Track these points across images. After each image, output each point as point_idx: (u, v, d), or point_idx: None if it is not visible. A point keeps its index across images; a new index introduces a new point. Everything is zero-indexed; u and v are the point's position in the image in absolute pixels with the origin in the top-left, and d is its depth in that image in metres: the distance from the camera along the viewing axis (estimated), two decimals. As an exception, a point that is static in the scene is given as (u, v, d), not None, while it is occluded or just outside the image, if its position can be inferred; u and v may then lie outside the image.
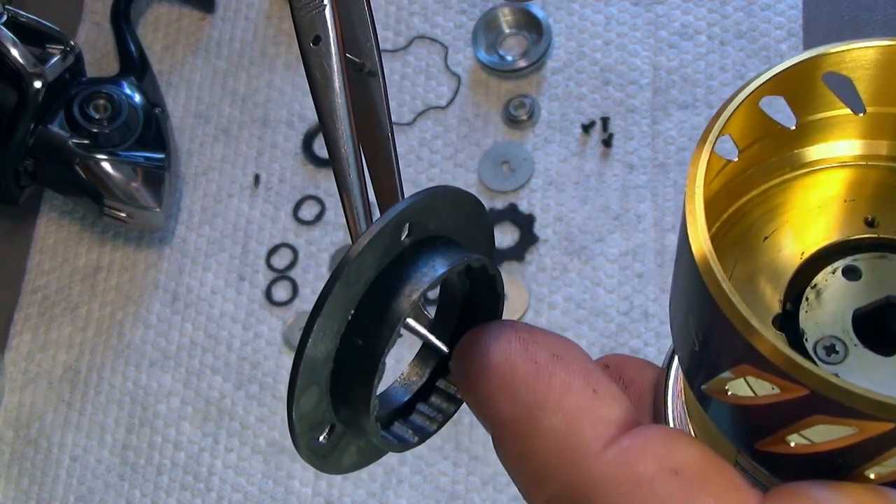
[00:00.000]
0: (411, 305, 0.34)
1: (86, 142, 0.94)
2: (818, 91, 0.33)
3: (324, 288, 0.34)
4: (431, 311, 0.40)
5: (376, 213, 0.36)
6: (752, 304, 0.32)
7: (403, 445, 0.38)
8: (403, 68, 1.01)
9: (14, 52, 0.92)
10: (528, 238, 0.94)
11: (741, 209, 0.34)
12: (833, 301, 0.32)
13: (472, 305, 0.39)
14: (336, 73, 0.37)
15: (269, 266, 0.97)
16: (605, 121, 0.97)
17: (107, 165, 0.94)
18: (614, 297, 0.91)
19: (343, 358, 0.35)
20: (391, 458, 0.88)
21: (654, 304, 0.90)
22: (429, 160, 0.98)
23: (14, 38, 0.92)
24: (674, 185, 0.94)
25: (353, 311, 0.35)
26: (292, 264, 0.97)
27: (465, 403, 0.39)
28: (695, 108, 0.96)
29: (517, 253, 0.93)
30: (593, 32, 1.00)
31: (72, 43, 0.96)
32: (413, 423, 0.39)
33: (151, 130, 0.96)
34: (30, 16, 0.96)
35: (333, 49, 0.37)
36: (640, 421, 0.32)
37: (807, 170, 0.35)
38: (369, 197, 0.38)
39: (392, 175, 0.39)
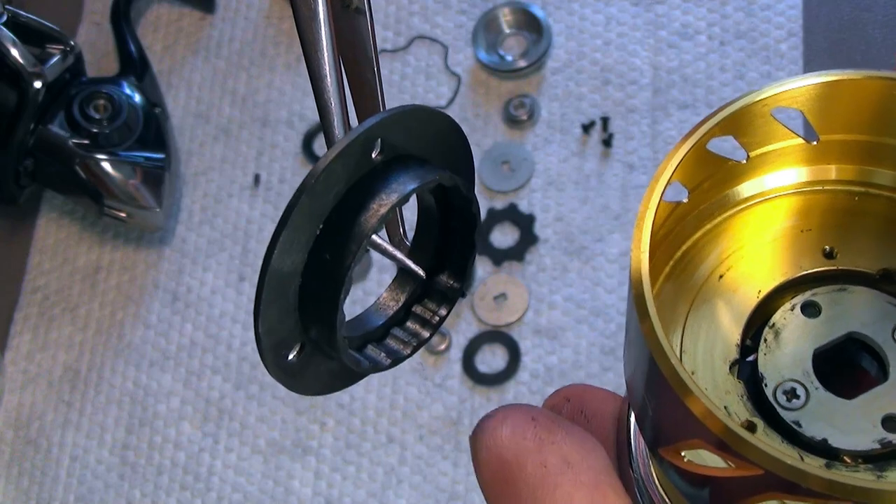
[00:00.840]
0: (379, 220, 0.34)
1: (86, 142, 0.94)
2: (768, 125, 0.32)
3: (290, 201, 0.33)
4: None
5: None
6: (709, 350, 0.31)
7: (374, 367, 0.38)
8: (403, 68, 1.01)
9: (14, 52, 0.92)
10: (528, 238, 0.94)
11: (696, 245, 0.33)
12: (792, 341, 0.31)
13: (449, 230, 0.39)
14: (321, 4, 0.38)
15: (269, 266, 0.97)
16: (605, 121, 0.97)
17: (107, 165, 0.94)
18: (614, 297, 0.91)
19: (310, 273, 0.35)
20: (391, 458, 0.89)
21: (654, 304, 0.90)
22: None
23: (14, 38, 0.92)
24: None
25: (321, 227, 0.35)
26: (292, 264, 0.96)
27: (436, 333, 0.39)
28: (695, 108, 0.96)
29: (517, 253, 0.93)
30: (593, 32, 1.00)
31: (72, 43, 0.96)
32: (386, 347, 0.39)
33: (151, 130, 0.96)
34: (30, 16, 0.96)
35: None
36: None
37: (760, 199, 0.33)
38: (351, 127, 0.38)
39: (378, 109, 0.40)
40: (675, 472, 0.30)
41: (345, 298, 0.34)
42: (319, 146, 1.00)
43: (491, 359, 0.91)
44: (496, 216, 0.94)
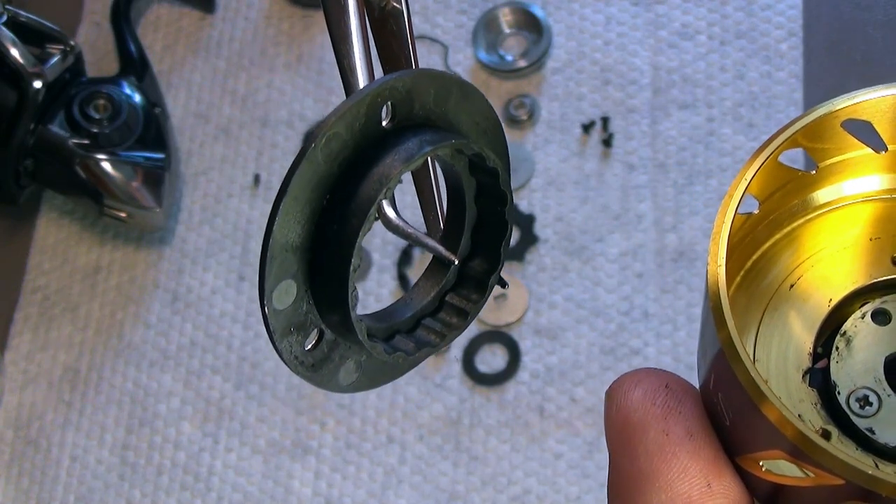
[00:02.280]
0: (385, 186, 0.32)
1: (86, 142, 0.94)
2: (837, 137, 0.32)
3: (290, 167, 0.32)
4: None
5: None
6: (782, 359, 0.32)
7: (407, 358, 0.36)
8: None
9: (14, 52, 0.92)
10: (528, 238, 0.94)
11: (766, 254, 0.34)
12: (863, 348, 0.31)
13: (481, 210, 0.37)
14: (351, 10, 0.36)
15: (269, 266, 0.97)
16: (605, 121, 0.97)
17: (107, 165, 0.94)
18: (614, 297, 0.91)
19: (318, 248, 0.33)
20: (391, 458, 0.89)
21: (654, 304, 0.90)
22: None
23: (14, 38, 0.92)
24: (674, 185, 0.94)
25: (328, 197, 0.33)
26: (292, 264, 0.96)
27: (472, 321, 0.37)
28: (695, 108, 0.96)
29: (517, 253, 0.93)
30: (593, 32, 1.00)
31: (72, 43, 0.96)
32: (416, 337, 0.37)
33: (151, 130, 0.96)
34: (30, 16, 0.96)
35: None
36: None
37: (830, 208, 0.34)
38: None
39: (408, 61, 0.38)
40: (752, 480, 0.30)
41: (355, 272, 0.32)
42: (319, 146, 1.00)
43: (491, 359, 0.91)
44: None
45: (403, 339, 0.36)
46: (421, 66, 0.39)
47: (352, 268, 0.32)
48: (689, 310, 0.89)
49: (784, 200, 0.33)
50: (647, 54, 0.99)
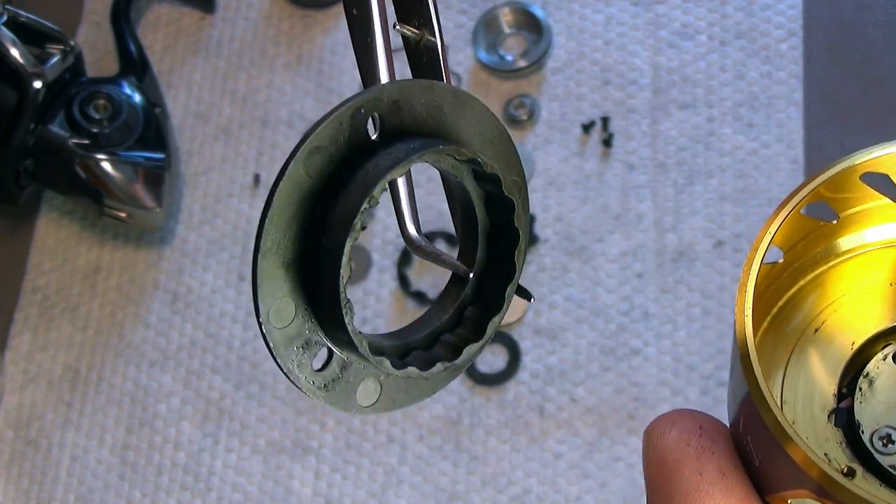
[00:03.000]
0: (369, 195, 0.32)
1: (86, 142, 0.94)
2: (856, 189, 0.34)
3: (273, 182, 0.31)
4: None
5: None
6: (808, 400, 0.33)
7: (412, 371, 0.35)
8: (404, 68, 1.01)
9: (14, 52, 0.92)
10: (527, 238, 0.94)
11: (791, 300, 0.35)
12: (886, 389, 0.32)
13: (491, 221, 0.36)
14: (377, 32, 0.36)
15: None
16: (605, 121, 0.97)
17: (107, 165, 0.94)
18: (614, 297, 0.91)
19: (307, 261, 0.33)
20: (391, 458, 0.89)
21: (654, 304, 0.90)
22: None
23: (14, 38, 0.92)
24: (674, 185, 0.94)
25: (317, 212, 0.32)
26: (292, 264, 0.96)
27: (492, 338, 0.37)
28: (695, 108, 0.96)
29: (517, 253, 0.93)
30: (593, 32, 1.00)
31: (72, 43, 0.96)
32: (431, 353, 0.36)
33: (151, 130, 0.96)
34: (30, 16, 0.96)
35: (375, 13, 0.37)
36: None
37: (851, 255, 0.35)
38: None
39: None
40: None
41: (345, 283, 0.32)
42: (319, 146, 1.00)
43: (491, 359, 0.91)
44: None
45: (418, 355, 0.36)
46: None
47: (342, 280, 0.32)
48: (689, 310, 0.89)
49: (807, 249, 0.35)
50: (647, 54, 0.99)
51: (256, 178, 1.00)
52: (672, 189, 0.94)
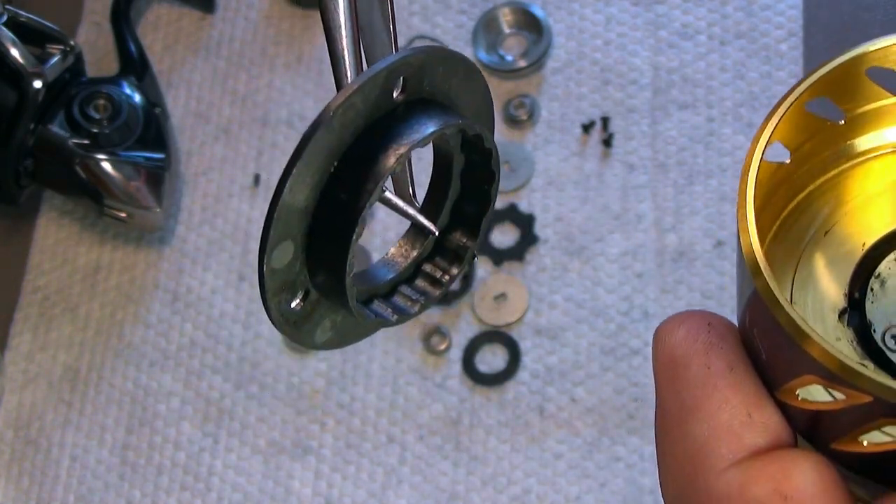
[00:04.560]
0: (398, 159, 0.34)
1: (86, 142, 0.94)
2: (863, 85, 0.33)
3: (305, 132, 0.33)
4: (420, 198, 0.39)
5: None
6: (818, 300, 0.33)
7: (380, 322, 0.37)
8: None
9: (14, 52, 0.92)
10: (528, 238, 0.94)
11: (800, 205, 0.35)
12: None
13: (465, 185, 0.39)
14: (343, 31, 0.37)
15: (269, 266, 0.97)
16: (605, 121, 0.97)
17: (107, 165, 0.94)
18: (614, 297, 0.91)
19: (322, 213, 0.34)
20: (391, 458, 0.89)
21: (654, 304, 0.90)
22: (429, 160, 0.98)
23: (14, 38, 0.92)
24: (674, 185, 0.94)
25: (336, 164, 0.34)
26: (292, 264, 0.96)
27: (436, 301, 0.38)
28: (695, 108, 0.96)
29: (517, 253, 0.93)
30: (593, 32, 1.00)
31: (72, 43, 0.96)
32: (393, 304, 0.38)
33: (151, 130, 0.96)
34: (30, 16, 0.96)
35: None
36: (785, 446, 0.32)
37: (861, 159, 0.35)
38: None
39: (389, 46, 0.39)
40: (789, 412, 0.32)
41: (356, 240, 0.34)
42: (319, 146, 1.00)
43: (491, 359, 0.91)
44: (496, 216, 0.94)
45: (381, 304, 0.38)
46: None
47: (355, 235, 0.33)
48: (689, 310, 0.89)
49: (816, 151, 0.35)
50: (647, 54, 0.99)
51: (256, 178, 1.00)
52: (672, 189, 0.94)
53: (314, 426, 0.91)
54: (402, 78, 0.34)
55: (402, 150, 0.34)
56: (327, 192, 0.34)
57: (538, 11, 1.01)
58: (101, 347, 0.96)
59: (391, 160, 0.34)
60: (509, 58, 1.00)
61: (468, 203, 0.39)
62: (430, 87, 0.35)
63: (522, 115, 0.97)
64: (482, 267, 0.93)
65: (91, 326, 0.97)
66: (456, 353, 0.91)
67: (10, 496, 0.92)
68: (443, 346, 0.91)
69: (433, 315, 0.92)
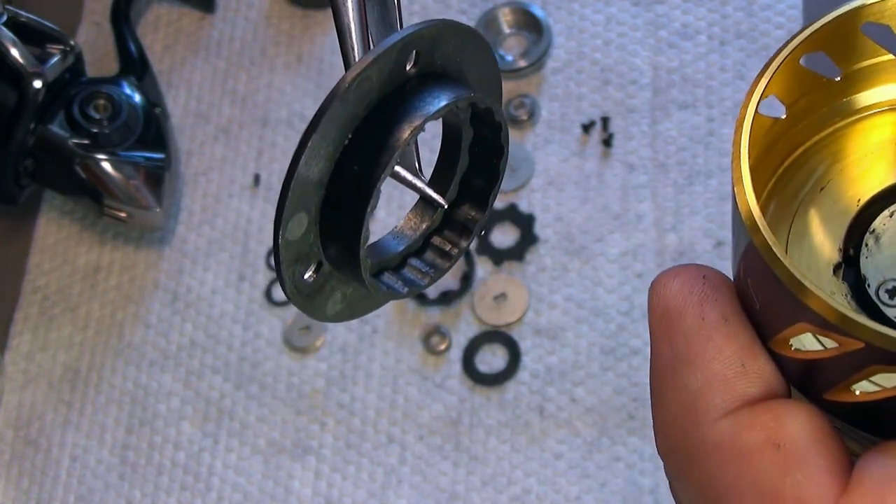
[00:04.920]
0: (413, 131, 0.34)
1: (86, 142, 0.94)
2: (858, 41, 0.33)
3: (321, 105, 0.33)
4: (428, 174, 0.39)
5: None
6: (813, 255, 0.33)
7: (391, 293, 0.37)
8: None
9: (14, 52, 0.92)
10: (528, 238, 0.94)
11: (797, 161, 0.35)
12: (892, 244, 0.33)
13: (474, 159, 0.39)
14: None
15: (269, 266, 0.97)
16: (605, 121, 0.97)
17: (107, 165, 0.94)
18: (614, 297, 0.91)
19: (336, 185, 0.34)
20: (391, 458, 0.89)
21: (654, 304, 0.90)
22: (429, 160, 0.98)
23: (14, 38, 0.92)
24: (674, 185, 0.94)
25: (350, 136, 0.34)
26: (292, 264, 0.96)
27: (453, 265, 0.39)
28: (695, 108, 0.96)
29: (517, 253, 0.93)
30: (593, 32, 1.00)
31: (72, 43, 0.96)
32: (403, 276, 0.38)
33: (151, 130, 0.96)
34: (30, 16, 0.96)
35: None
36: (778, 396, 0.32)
37: (857, 116, 0.35)
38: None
39: (393, 26, 0.39)
40: (783, 362, 0.32)
41: (371, 212, 0.34)
42: (319, 146, 1.00)
43: (491, 359, 0.91)
44: (496, 216, 0.94)
45: (391, 276, 0.38)
46: None
47: (370, 207, 0.34)
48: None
49: (812, 108, 0.35)
50: (647, 54, 0.99)
51: (256, 178, 1.00)
52: (672, 189, 0.94)
53: (314, 426, 0.91)
54: (414, 51, 0.34)
55: (417, 122, 0.34)
56: (341, 165, 0.34)
57: (538, 11, 1.01)
58: (101, 347, 0.96)
59: (405, 133, 0.34)
60: (509, 58, 1.00)
61: (477, 177, 0.39)
62: (441, 61, 0.36)
63: (522, 115, 0.97)
64: (482, 267, 0.93)
65: (91, 326, 0.97)
66: (456, 353, 0.91)
67: (10, 496, 0.92)
68: (443, 346, 0.91)
69: (433, 315, 0.92)
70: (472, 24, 1.01)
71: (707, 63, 0.98)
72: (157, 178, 0.95)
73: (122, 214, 0.95)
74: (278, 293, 0.96)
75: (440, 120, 0.38)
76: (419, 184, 0.38)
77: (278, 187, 1.02)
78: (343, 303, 0.38)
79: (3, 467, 0.94)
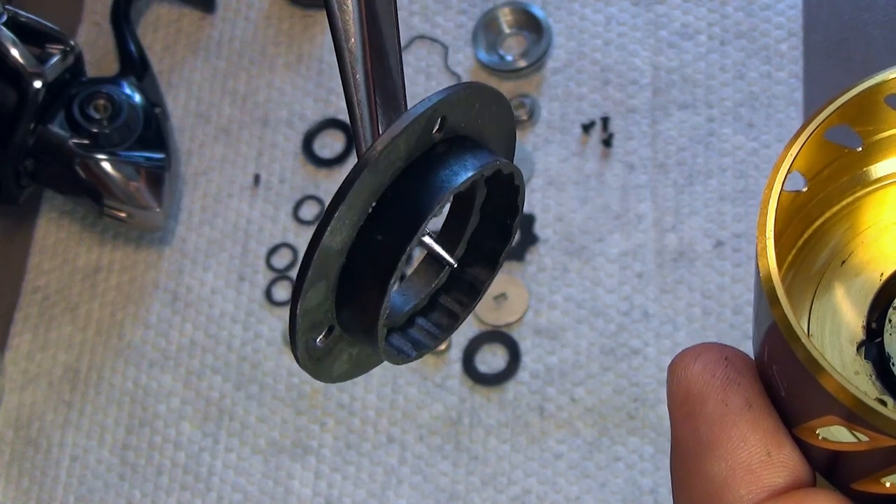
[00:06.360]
0: (441, 203, 0.33)
1: (86, 142, 0.94)
2: (881, 112, 0.33)
3: (349, 174, 0.32)
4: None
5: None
6: (835, 333, 0.32)
7: (402, 357, 0.37)
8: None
9: (14, 52, 0.92)
10: (528, 238, 0.94)
11: (817, 232, 0.34)
12: None
13: (485, 217, 0.38)
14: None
15: (269, 266, 0.97)
16: (605, 121, 0.97)
17: (107, 165, 0.94)
18: (614, 297, 0.91)
19: (359, 254, 0.33)
20: (391, 458, 0.89)
21: (654, 304, 0.90)
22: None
23: (14, 38, 0.92)
24: (673, 185, 0.94)
25: (374, 204, 0.33)
26: (292, 264, 0.97)
27: (462, 324, 0.38)
28: (695, 108, 0.96)
29: (517, 253, 0.93)
30: (593, 32, 1.00)
31: (72, 43, 0.96)
32: (412, 338, 0.38)
33: (151, 130, 0.96)
34: (30, 16, 0.96)
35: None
36: (804, 485, 0.31)
37: (876, 186, 0.35)
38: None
39: (401, 91, 0.38)
40: (809, 450, 0.31)
41: (395, 284, 0.33)
42: (319, 146, 1.00)
43: (491, 359, 0.91)
44: (496, 216, 0.94)
45: (400, 339, 0.37)
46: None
47: (394, 279, 0.33)
48: (689, 310, 0.89)
49: (833, 178, 0.34)
50: (647, 54, 0.99)
51: (256, 178, 1.00)
52: (672, 189, 0.94)
53: (314, 426, 0.91)
54: (441, 116, 0.34)
55: (445, 196, 0.33)
56: (365, 234, 0.33)
57: (538, 11, 1.01)
58: (101, 347, 0.96)
59: (434, 203, 0.33)
60: (509, 58, 1.00)
61: (486, 236, 0.38)
62: (463, 122, 0.35)
63: (522, 115, 0.97)
64: (482, 267, 0.93)
65: (91, 326, 0.97)
66: (456, 353, 0.91)
67: (10, 496, 0.92)
68: (443, 347, 0.91)
69: (433, 315, 0.92)
70: (471, 24, 1.02)
71: (707, 63, 0.98)
72: (157, 178, 0.95)
73: (122, 214, 0.95)
74: (278, 293, 0.96)
75: None
76: (428, 241, 0.37)
77: (278, 187, 1.03)
78: (349, 363, 0.37)
79: (3, 467, 0.94)
